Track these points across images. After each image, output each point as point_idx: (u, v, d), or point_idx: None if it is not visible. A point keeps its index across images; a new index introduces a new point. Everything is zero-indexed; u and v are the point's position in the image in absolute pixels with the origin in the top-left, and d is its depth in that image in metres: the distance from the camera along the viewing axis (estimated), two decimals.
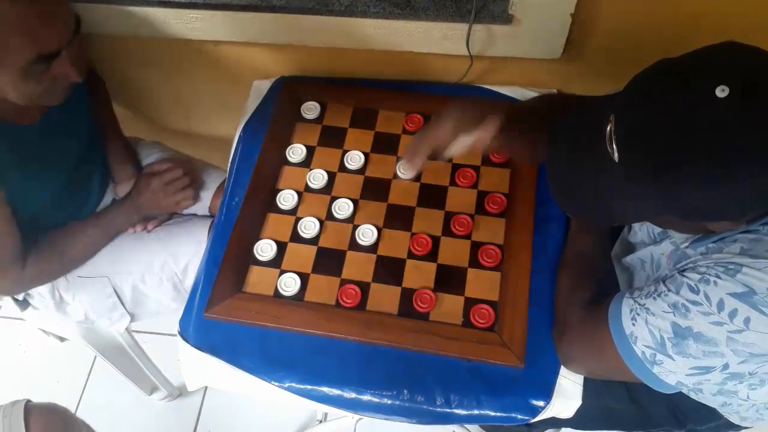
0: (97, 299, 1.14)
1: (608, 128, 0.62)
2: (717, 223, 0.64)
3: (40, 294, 1.13)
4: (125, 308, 1.16)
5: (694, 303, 0.65)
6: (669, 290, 0.69)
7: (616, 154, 0.61)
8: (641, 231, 0.88)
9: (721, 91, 0.54)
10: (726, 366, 0.66)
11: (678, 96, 0.57)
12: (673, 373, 0.70)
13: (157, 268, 1.13)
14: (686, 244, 0.73)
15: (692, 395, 0.84)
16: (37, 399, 0.88)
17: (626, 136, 0.60)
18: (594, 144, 0.64)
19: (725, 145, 0.55)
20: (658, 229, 0.83)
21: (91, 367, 1.66)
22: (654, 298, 0.70)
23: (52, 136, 1.00)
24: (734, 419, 0.90)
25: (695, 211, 0.60)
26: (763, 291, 0.61)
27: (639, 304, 0.72)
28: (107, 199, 1.19)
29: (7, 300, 1.15)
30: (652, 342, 0.69)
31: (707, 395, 0.81)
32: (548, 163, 0.73)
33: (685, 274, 0.68)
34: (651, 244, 0.84)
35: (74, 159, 1.07)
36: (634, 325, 0.71)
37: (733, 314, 0.63)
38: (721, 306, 0.63)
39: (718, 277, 0.64)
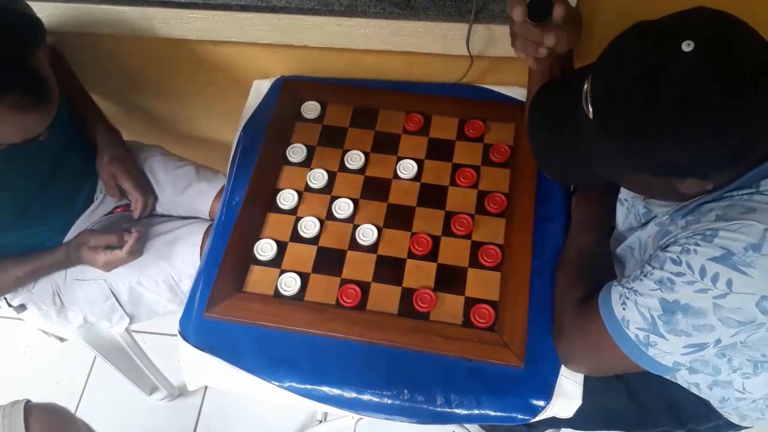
0: (96, 302, 1.14)
1: (585, 88, 0.66)
2: (685, 181, 0.66)
3: (42, 300, 1.13)
4: (123, 310, 1.16)
5: (678, 274, 0.66)
6: (654, 268, 0.70)
7: (591, 112, 0.65)
8: (630, 214, 0.89)
9: (687, 46, 0.57)
10: (718, 341, 0.67)
11: (647, 53, 0.60)
12: (669, 354, 0.70)
13: (153, 269, 1.13)
14: (666, 217, 0.75)
15: (693, 389, 0.84)
16: (37, 399, 0.88)
17: (599, 94, 0.64)
18: (572, 104, 0.68)
19: (692, 99, 0.57)
20: (643, 211, 0.84)
21: (91, 367, 1.66)
22: (641, 279, 0.71)
23: (19, 155, 0.98)
24: (734, 418, 0.90)
25: (663, 166, 0.63)
26: (740, 251, 0.62)
27: (627, 289, 0.73)
28: (103, 207, 1.19)
29: (5, 302, 1.15)
30: (643, 323, 0.70)
31: (704, 389, 0.81)
32: (529, 123, 0.77)
33: (667, 249, 0.69)
34: (638, 228, 0.85)
35: (48, 167, 1.05)
36: (624, 309, 0.72)
37: (715, 278, 0.64)
38: (703, 272, 0.64)
39: (696, 245, 0.65)
